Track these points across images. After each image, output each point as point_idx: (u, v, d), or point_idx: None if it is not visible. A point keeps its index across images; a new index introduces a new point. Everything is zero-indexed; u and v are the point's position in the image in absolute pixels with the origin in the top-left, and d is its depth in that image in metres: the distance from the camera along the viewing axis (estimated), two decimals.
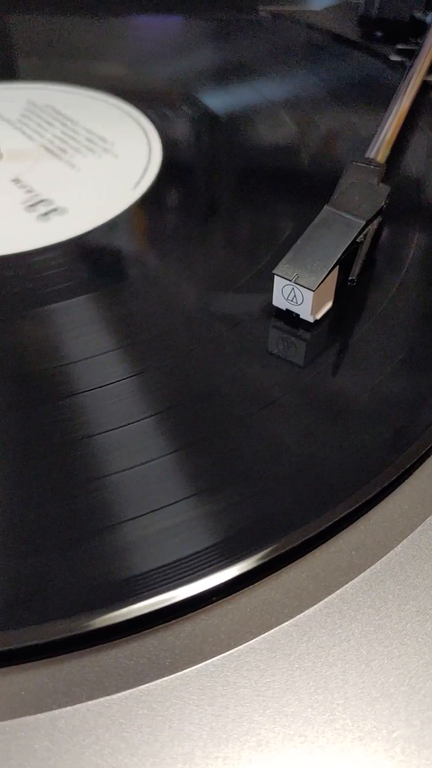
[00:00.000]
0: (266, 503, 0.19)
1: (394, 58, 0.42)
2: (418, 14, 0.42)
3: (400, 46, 0.42)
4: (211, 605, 0.17)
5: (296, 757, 0.15)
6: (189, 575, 0.17)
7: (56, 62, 0.44)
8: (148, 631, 0.17)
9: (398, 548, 0.18)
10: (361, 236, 0.25)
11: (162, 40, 0.47)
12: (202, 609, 0.17)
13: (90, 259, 0.29)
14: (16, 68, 0.45)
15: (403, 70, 0.38)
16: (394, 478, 0.20)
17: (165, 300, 0.26)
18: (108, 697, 0.16)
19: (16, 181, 0.33)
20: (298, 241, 0.25)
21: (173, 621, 0.17)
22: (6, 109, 0.39)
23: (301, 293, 0.24)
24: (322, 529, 0.18)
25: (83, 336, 0.24)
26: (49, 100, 0.40)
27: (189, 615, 0.17)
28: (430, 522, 0.19)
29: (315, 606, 0.17)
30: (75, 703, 0.16)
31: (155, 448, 0.20)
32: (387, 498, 0.19)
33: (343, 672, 0.16)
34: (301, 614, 0.17)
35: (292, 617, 0.17)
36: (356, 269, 0.24)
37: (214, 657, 0.16)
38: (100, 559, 0.18)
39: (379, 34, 0.44)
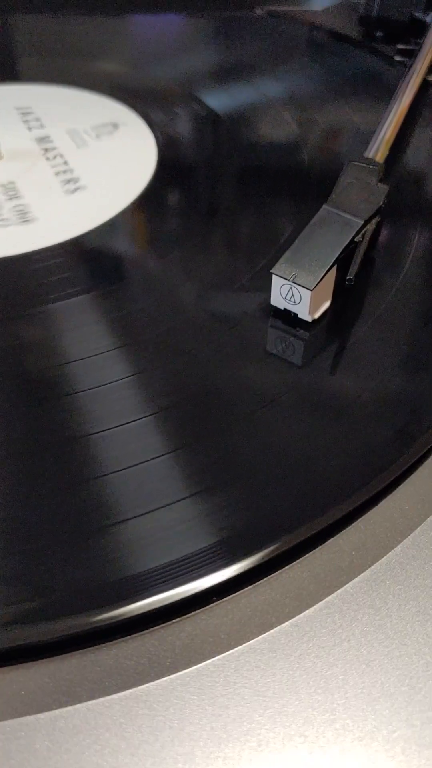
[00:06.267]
0: (266, 503, 0.19)
1: (396, 58, 0.42)
2: (418, 14, 0.42)
3: (400, 46, 0.42)
4: (211, 605, 0.17)
5: (296, 757, 0.15)
6: (189, 575, 0.17)
7: (56, 62, 0.44)
8: (148, 631, 0.17)
9: (398, 548, 0.18)
10: (359, 236, 0.25)
11: (162, 39, 0.47)
12: (202, 609, 0.17)
13: (89, 259, 0.29)
14: (14, 68, 0.45)
15: (403, 69, 0.38)
16: (394, 478, 0.20)
17: (164, 300, 0.26)
18: (108, 697, 0.16)
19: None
20: (296, 241, 0.25)
21: (173, 621, 0.17)
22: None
23: (299, 292, 0.24)
24: (322, 528, 0.18)
25: (83, 336, 0.24)
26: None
27: (189, 615, 0.17)
28: (430, 522, 0.19)
29: (315, 606, 0.17)
30: (75, 703, 0.16)
31: (155, 448, 0.20)
32: (387, 498, 0.19)
33: (344, 672, 0.16)
34: (301, 614, 0.17)
35: (292, 617, 0.17)
36: (354, 269, 0.24)
37: (214, 657, 0.16)
38: (99, 559, 0.18)
39: (379, 33, 0.44)
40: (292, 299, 0.24)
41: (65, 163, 0.34)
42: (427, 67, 0.38)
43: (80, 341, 0.24)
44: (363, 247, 0.25)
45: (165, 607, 0.17)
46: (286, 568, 0.18)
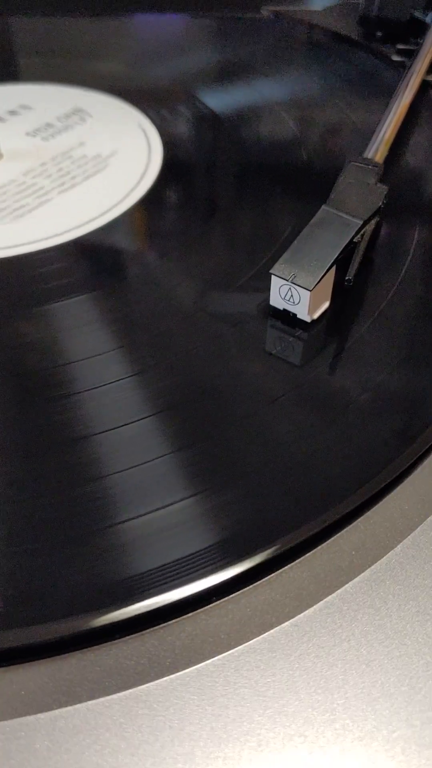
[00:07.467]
0: (266, 503, 0.19)
1: (396, 58, 0.42)
2: (418, 14, 0.42)
3: (400, 46, 0.42)
4: (211, 605, 0.17)
5: (296, 757, 0.15)
6: (189, 575, 0.17)
7: (56, 62, 0.44)
8: (148, 631, 0.17)
9: (398, 548, 0.18)
10: (359, 236, 0.25)
11: (162, 39, 0.47)
12: (202, 609, 0.17)
13: (90, 259, 0.29)
14: (15, 68, 0.45)
15: (403, 69, 0.38)
16: (394, 477, 0.20)
17: (164, 300, 0.26)
18: (108, 697, 0.16)
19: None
20: (296, 241, 0.25)
21: (173, 621, 0.17)
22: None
23: (298, 293, 0.24)
24: (322, 529, 0.18)
25: (83, 336, 0.24)
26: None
27: (189, 615, 0.17)
28: (430, 522, 0.19)
29: (315, 606, 0.17)
30: (75, 703, 0.16)
31: (155, 448, 0.20)
32: (387, 498, 0.19)
33: (344, 672, 0.16)
34: (301, 614, 0.17)
35: (292, 617, 0.17)
36: (353, 269, 0.24)
37: (214, 657, 0.16)
38: (100, 559, 0.18)
39: (379, 33, 0.44)
40: (291, 299, 0.24)
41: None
42: (427, 67, 0.38)
43: (80, 341, 0.24)
44: (362, 247, 0.25)
45: (165, 607, 0.17)
46: (286, 568, 0.18)
